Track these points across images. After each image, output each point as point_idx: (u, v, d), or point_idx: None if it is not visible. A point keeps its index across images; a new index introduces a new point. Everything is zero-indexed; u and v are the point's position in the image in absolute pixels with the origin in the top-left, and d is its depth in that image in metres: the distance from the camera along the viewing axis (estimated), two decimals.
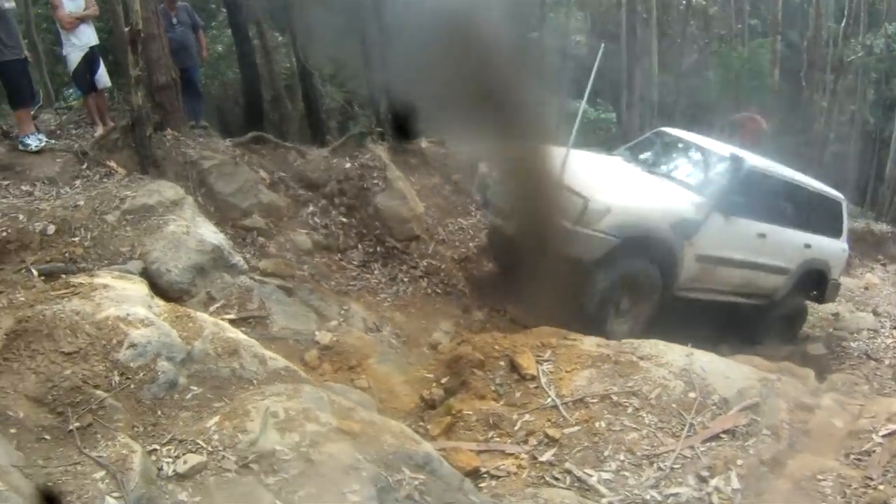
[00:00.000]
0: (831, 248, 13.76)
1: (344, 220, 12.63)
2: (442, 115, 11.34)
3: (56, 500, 4.45)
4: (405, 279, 12.00)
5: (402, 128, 14.79)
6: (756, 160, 12.41)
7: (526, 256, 10.68)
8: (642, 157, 13.17)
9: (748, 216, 11.77)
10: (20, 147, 10.79)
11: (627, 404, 7.67)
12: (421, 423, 7.90)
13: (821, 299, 14.36)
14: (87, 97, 12.29)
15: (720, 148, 12.86)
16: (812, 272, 13.42)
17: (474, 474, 6.80)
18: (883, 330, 14.93)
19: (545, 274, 10.33)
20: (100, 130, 11.80)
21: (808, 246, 13.04)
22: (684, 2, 32.54)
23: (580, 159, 11.25)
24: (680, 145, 13.44)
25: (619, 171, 12.33)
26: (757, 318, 13.04)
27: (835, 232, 13.88)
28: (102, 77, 12.30)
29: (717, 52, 31.65)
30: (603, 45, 12.13)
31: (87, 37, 11.90)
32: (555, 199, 10.45)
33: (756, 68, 28.35)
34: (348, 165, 13.44)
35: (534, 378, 8.14)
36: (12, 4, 10.97)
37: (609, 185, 11.11)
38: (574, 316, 10.31)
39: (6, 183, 10.13)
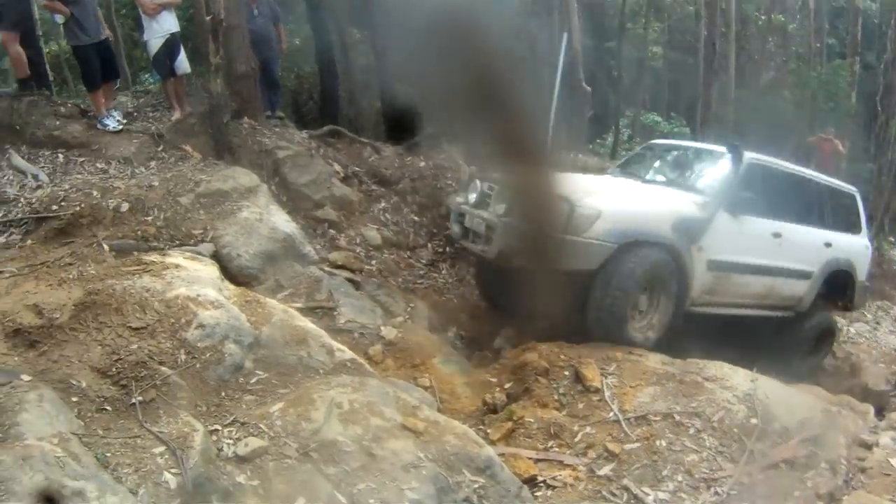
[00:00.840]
0: (853, 245, 12.51)
1: (415, 218, 12.64)
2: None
3: (56, 501, 4.41)
4: (472, 281, 11.91)
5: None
6: (758, 155, 11.14)
7: (521, 279, 9.84)
8: (629, 171, 12.05)
9: (759, 214, 10.58)
10: (98, 127, 10.98)
11: (689, 425, 7.54)
12: (481, 427, 7.77)
13: (850, 306, 13.13)
14: (166, 82, 12.42)
15: (717, 147, 11.64)
16: (836, 274, 12.11)
17: (531, 482, 6.72)
18: None
19: (545, 293, 9.49)
20: (177, 115, 11.96)
21: (828, 245, 11.80)
22: (763, 17, 32.12)
23: (565, 179, 10.10)
24: (674, 152, 12.44)
25: (610, 184, 11.25)
26: (780, 336, 11.59)
27: (853, 227, 12.69)
28: (182, 63, 12.46)
29: (796, 70, 31.19)
30: (566, 35, 11.07)
31: (169, 23, 12.07)
32: (546, 208, 9.49)
33: (834, 90, 27.85)
34: (423, 164, 13.46)
35: (597, 391, 8.02)
36: None
37: (598, 191, 9.98)
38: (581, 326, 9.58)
39: (82, 160, 10.32)
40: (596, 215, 9.09)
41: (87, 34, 11.04)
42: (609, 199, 9.55)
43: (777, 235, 10.82)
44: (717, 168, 10.99)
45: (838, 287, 12.36)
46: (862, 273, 12.73)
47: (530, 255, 9.56)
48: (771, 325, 11.42)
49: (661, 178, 11.46)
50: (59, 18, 11.19)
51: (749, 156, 10.70)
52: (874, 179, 24.68)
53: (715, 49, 22.38)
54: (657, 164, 12.10)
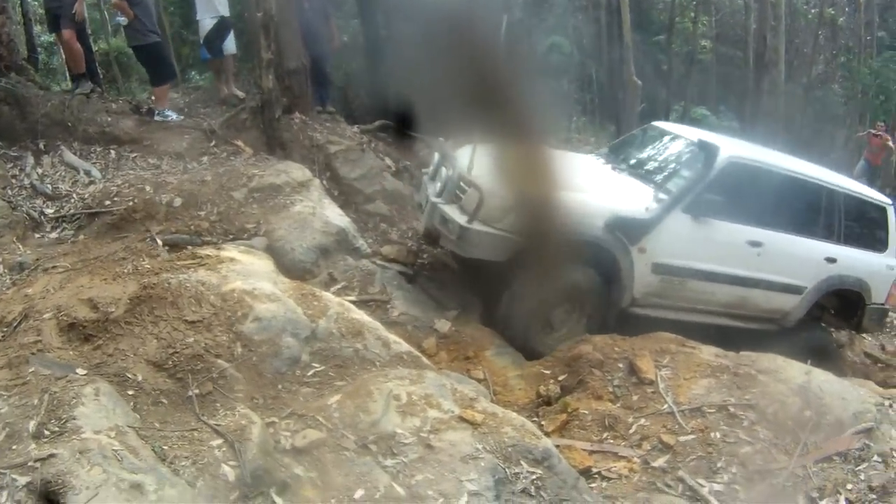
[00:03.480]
0: (870, 263, 11.16)
1: None
2: None
3: (55, 501, 4.37)
4: None
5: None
6: (751, 151, 10.52)
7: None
8: (616, 154, 11.31)
9: (733, 219, 9.76)
10: (159, 118, 11.29)
11: (744, 417, 7.48)
12: (535, 419, 7.72)
13: (858, 328, 11.89)
14: (213, 61, 12.98)
15: (707, 138, 10.55)
16: (840, 293, 11.13)
17: (585, 474, 6.67)
18: None
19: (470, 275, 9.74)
20: (225, 91, 12.61)
21: (831, 260, 10.63)
22: (813, 10, 31.85)
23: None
24: (664, 138, 11.26)
25: (570, 167, 9.94)
26: (760, 344, 9.80)
27: (877, 245, 11.31)
28: (230, 43, 12.93)
29: (846, 64, 30.91)
30: (506, 17, 10.25)
31: (223, 5, 12.54)
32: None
33: (884, 83, 27.53)
34: None
35: (652, 383, 7.98)
36: None
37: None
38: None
39: (134, 155, 10.48)
40: (511, 206, 8.77)
41: (152, 34, 11.46)
42: None
43: (755, 244, 10.01)
44: (690, 164, 10.16)
45: (848, 307, 11.52)
46: (879, 295, 11.48)
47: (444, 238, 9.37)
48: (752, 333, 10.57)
49: (635, 166, 10.67)
50: (123, 21, 11.38)
51: (728, 155, 9.87)
52: None
53: (765, 42, 22.25)
54: (642, 149, 11.30)
